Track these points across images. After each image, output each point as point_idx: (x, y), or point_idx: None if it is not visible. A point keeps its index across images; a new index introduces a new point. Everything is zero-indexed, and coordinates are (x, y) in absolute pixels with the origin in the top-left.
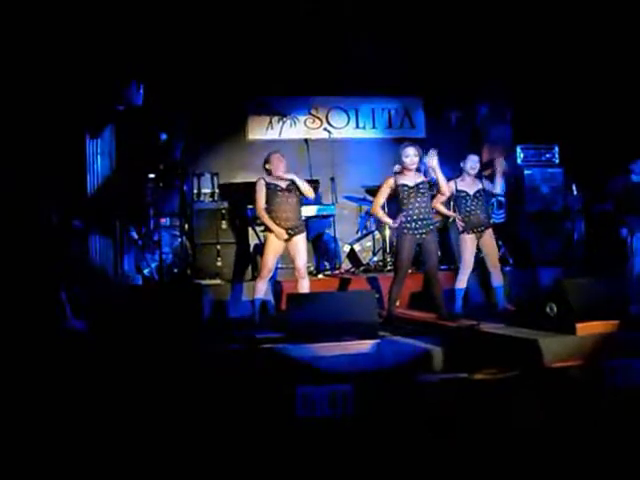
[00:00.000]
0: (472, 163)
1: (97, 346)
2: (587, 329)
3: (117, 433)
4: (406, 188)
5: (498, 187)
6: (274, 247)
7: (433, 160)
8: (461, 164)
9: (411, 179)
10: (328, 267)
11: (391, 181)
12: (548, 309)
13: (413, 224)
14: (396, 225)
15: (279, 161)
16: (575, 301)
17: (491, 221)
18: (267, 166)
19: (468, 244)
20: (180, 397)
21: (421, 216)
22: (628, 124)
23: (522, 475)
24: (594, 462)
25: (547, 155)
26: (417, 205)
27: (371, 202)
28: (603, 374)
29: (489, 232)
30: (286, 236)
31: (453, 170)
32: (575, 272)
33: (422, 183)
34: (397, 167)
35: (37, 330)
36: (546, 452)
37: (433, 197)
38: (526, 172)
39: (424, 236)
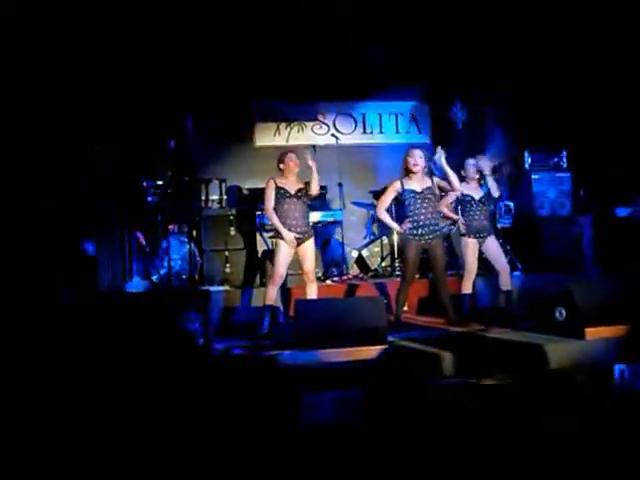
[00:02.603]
0: (473, 168)
1: (104, 352)
2: (596, 333)
3: (122, 438)
4: (413, 194)
5: (495, 190)
6: (285, 253)
7: (442, 158)
8: (462, 172)
9: (418, 184)
10: (336, 273)
11: (398, 185)
12: (557, 314)
13: (420, 230)
14: (402, 230)
15: (294, 164)
16: (584, 305)
17: (498, 225)
18: (281, 166)
19: (470, 248)
20: (186, 402)
21: (427, 222)
22: (637, 127)
23: (530, 478)
24: (602, 467)
25: (555, 159)
26: (423, 211)
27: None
28: (612, 379)
29: (491, 238)
30: (295, 242)
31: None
32: (584, 276)
33: (429, 188)
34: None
35: (46, 338)
36: (554, 457)
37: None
38: (534, 176)
39: (430, 242)
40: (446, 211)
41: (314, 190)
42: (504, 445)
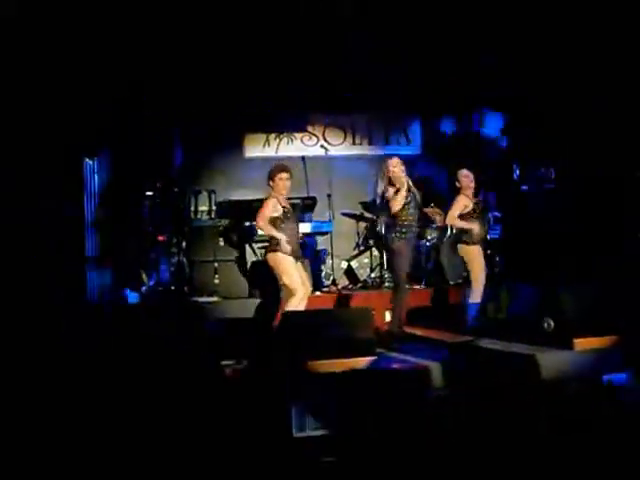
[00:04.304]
0: (465, 178)
1: (97, 364)
2: (585, 344)
3: (115, 450)
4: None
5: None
6: (291, 264)
7: None
8: (457, 184)
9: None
10: (325, 284)
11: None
12: (545, 324)
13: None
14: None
15: (283, 185)
16: (572, 315)
17: (487, 236)
18: (271, 183)
19: (476, 254)
20: (177, 414)
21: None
22: (626, 140)
23: None
24: (593, 475)
25: (543, 172)
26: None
27: (370, 218)
28: (601, 389)
29: (483, 247)
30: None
31: (450, 185)
32: (572, 286)
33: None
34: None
35: (42, 346)
36: (546, 465)
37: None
38: (522, 188)
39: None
40: (458, 223)
41: None
42: (495, 454)
